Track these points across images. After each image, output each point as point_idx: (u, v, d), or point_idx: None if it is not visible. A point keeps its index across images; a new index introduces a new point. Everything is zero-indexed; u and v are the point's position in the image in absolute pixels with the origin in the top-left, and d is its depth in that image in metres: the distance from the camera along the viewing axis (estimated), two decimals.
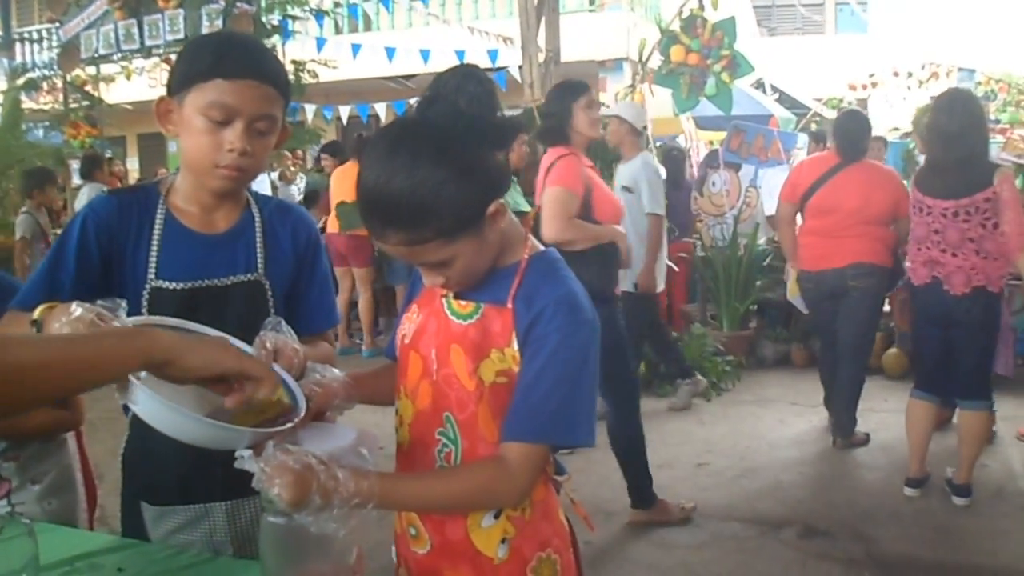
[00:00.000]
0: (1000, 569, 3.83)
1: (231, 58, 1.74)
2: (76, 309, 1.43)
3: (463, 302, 1.58)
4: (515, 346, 1.51)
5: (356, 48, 10.91)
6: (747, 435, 5.72)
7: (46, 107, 11.33)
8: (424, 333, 1.62)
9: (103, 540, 1.84)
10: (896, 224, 5.18)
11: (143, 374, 1.42)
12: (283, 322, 1.68)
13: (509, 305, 1.53)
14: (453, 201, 1.40)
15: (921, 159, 6.26)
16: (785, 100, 13.53)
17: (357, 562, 1.48)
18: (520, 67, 8.26)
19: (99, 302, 1.48)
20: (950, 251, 4.30)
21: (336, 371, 1.63)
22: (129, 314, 1.79)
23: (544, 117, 4.40)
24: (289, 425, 1.47)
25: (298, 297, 2.00)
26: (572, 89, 4.25)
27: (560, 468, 1.72)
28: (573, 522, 1.73)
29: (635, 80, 7.17)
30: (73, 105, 10.89)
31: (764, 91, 12.97)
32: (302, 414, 1.51)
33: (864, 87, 11.36)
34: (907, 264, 4.57)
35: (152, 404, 1.38)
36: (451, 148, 1.41)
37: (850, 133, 5.30)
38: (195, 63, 1.75)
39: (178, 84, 1.78)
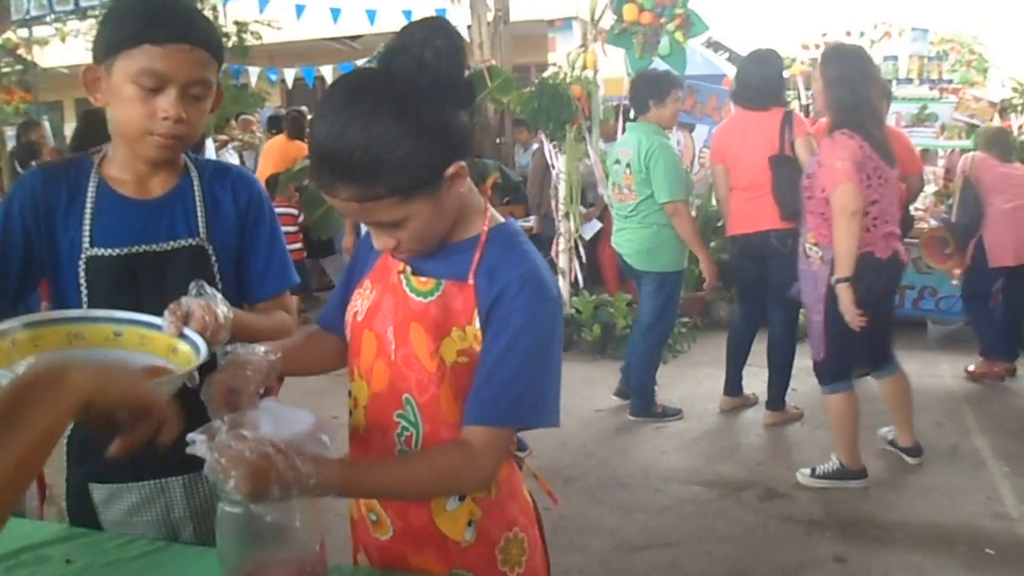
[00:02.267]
0: (958, 527, 3.85)
1: (159, 22, 1.64)
2: None
3: (423, 278, 1.48)
4: (477, 324, 1.43)
5: (300, 8, 10.66)
6: (704, 397, 5.70)
7: None
8: (379, 310, 1.52)
9: (50, 530, 1.74)
10: (907, 180, 5.46)
11: (26, 361, 1.38)
12: (206, 285, 1.62)
13: (471, 281, 1.44)
14: (410, 158, 1.30)
15: None
16: (736, 60, 13.44)
17: (320, 550, 1.40)
18: (468, 27, 8.12)
19: None
20: (895, 222, 4.19)
21: (259, 347, 1.52)
22: (67, 286, 1.78)
23: (751, 82, 4.97)
24: (188, 371, 1.46)
25: (245, 260, 1.92)
26: (776, 55, 5.08)
27: (522, 444, 1.64)
28: (533, 493, 1.67)
29: (585, 39, 7.04)
30: (5, 69, 10.56)
31: (716, 51, 12.89)
32: (202, 359, 1.48)
33: (817, 46, 11.29)
34: (869, 241, 4.16)
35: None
36: (412, 102, 1.31)
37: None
38: (121, 28, 1.66)
39: (104, 51, 1.69)
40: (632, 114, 5.61)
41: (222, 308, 1.59)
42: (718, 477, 4.48)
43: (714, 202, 7.52)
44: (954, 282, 6.89)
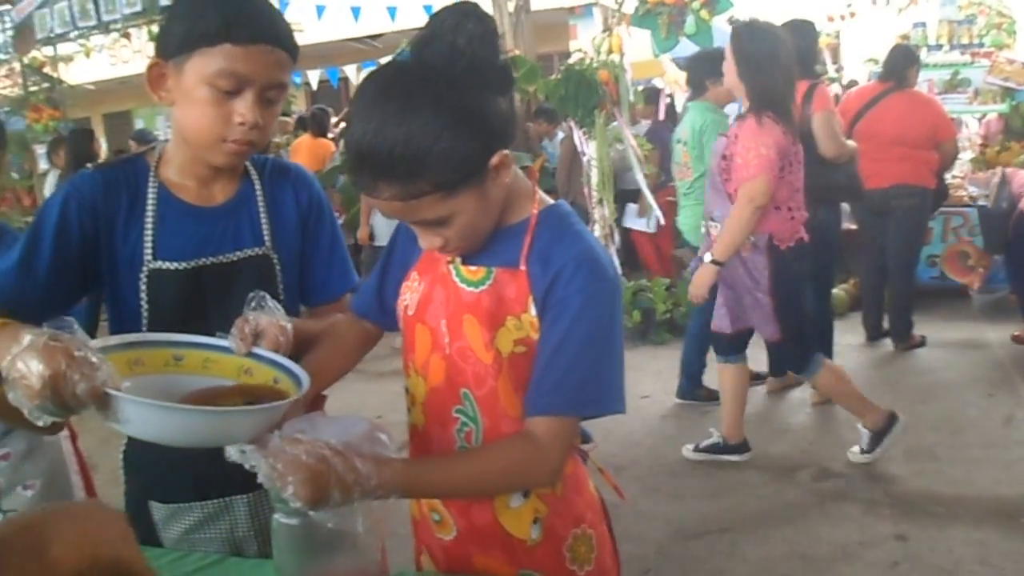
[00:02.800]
0: (1020, 499, 3.76)
1: (241, 20, 1.52)
2: (26, 337, 1.24)
3: (472, 267, 1.43)
4: (533, 312, 1.38)
5: (320, 9, 10.63)
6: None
7: (5, 92, 11.01)
8: (430, 303, 1.47)
9: None
10: (941, 148, 5.63)
11: (126, 383, 1.27)
12: (267, 297, 1.52)
13: (522, 267, 1.39)
14: (452, 150, 1.24)
15: None
16: None
17: (381, 558, 1.36)
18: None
19: (46, 324, 1.30)
20: None
21: None
22: (126, 300, 1.67)
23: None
24: (296, 397, 1.35)
25: (306, 263, 1.82)
26: (812, 26, 5.11)
27: (586, 436, 1.59)
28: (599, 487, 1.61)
29: (607, 24, 6.99)
30: (33, 88, 10.59)
31: None
32: (305, 389, 1.38)
33: (842, 17, 11.14)
34: (796, 228, 4.04)
35: (149, 413, 1.22)
36: (449, 92, 1.25)
37: (893, 63, 5.77)
38: (198, 24, 1.52)
39: (176, 47, 1.55)
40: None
41: (287, 323, 1.51)
42: (770, 459, 4.41)
43: None
44: (972, 293, 6.83)
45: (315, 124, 9.16)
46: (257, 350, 1.47)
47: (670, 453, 4.59)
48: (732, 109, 7.16)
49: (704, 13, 6.12)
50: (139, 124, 15.91)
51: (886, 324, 6.17)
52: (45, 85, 10.72)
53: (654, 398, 5.46)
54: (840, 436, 4.62)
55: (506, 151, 1.33)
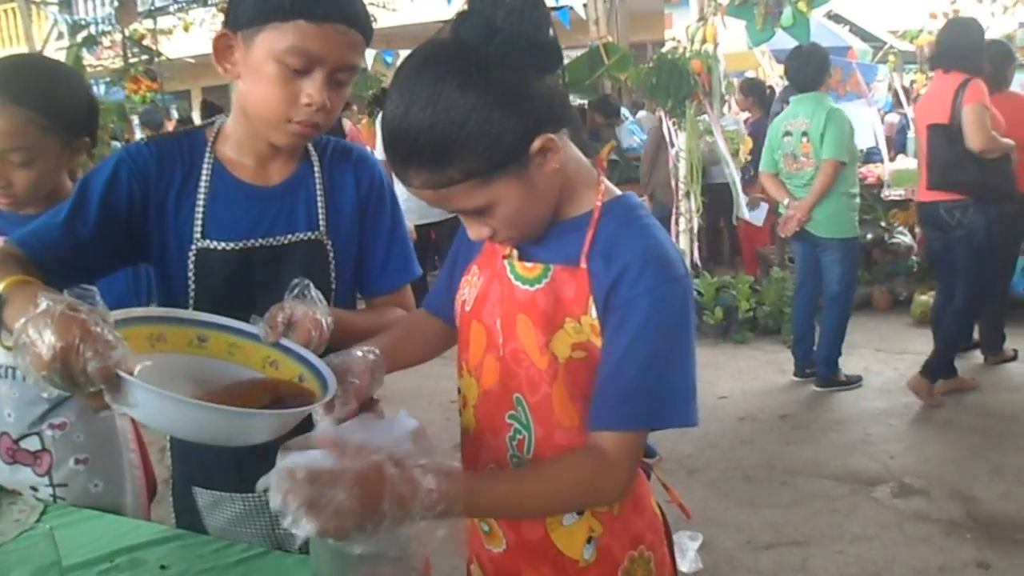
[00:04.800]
0: None
1: None
2: (42, 302, 1.16)
3: (528, 264, 1.33)
4: (593, 314, 1.27)
5: None
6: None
7: (106, 63, 11.30)
8: (487, 300, 1.38)
9: (149, 531, 1.68)
10: None
11: (138, 368, 1.21)
12: (311, 286, 1.47)
13: (583, 264, 1.28)
14: (481, 135, 1.14)
15: None
16: (856, 32, 12.95)
17: (424, 568, 1.30)
18: (584, 4, 7.98)
19: (68, 291, 1.22)
20: None
21: (355, 351, 1.38)
22: (173, 277, 1.62)
23: (948, 45, 4.89)
24: (317, 405, 1.27)
25: (363, 250, 1.75)
26: (980, 26, 4.99)
27: (650, 450, 1.49)
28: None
29: (703, 13, 6.82)
30: (132, 60, 10.82)
31: (836, 23, 12.42)
32: (331, 394, 1.29)
33: (945, 15, 10.74)
34: None
35: (158, 401, 1.15)
36: (479, 72, 1.14)
37: (993, 62, 5.40)
38: None
39: (247, 19, 1.49)
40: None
41: (325, 317, 1.45)
42: (848, 471, 4.25)
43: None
44: None
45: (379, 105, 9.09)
46: (286, 342, 1.41)
47: (745, 457, 4.47)
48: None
49: (802, 5, 5.93)
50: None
51: (976, 335, 5.92)
52: (144, 57, 10.95)
53: (732, 399, 5.34)
54: (923, 451, 4.45)
55: (551, 135, 1.21)
